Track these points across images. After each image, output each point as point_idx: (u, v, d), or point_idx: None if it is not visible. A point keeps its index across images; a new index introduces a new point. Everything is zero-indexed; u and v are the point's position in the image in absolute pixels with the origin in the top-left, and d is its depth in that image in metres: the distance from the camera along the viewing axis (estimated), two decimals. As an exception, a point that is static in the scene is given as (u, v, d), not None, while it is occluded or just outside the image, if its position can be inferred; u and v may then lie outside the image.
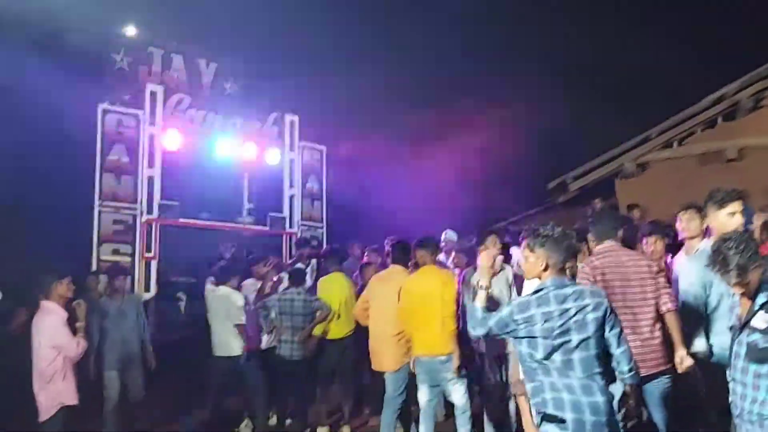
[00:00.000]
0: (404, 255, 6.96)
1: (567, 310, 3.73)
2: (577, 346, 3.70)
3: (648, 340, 4.82)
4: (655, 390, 4.82)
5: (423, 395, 6.34)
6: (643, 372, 4.58)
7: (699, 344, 4.93)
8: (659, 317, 4.89)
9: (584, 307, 3.74)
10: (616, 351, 3.86)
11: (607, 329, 3.81)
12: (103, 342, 7.59)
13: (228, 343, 7.89)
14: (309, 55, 14.53)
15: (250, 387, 7.95)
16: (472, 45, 16.69)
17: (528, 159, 15.77)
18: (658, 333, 4.87)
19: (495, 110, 16.86)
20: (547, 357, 3.70)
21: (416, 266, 6.69)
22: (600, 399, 3.66)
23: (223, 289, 8.04)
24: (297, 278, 8.18)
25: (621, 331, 3.88)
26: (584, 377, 3.67)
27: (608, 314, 3.81)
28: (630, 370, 3.92)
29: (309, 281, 9.12)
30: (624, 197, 12.33)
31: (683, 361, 4.79)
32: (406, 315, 6.39)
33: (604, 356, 3.82)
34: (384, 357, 6.72)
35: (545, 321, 3.71)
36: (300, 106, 13.41)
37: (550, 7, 16.71)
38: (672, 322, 4.85)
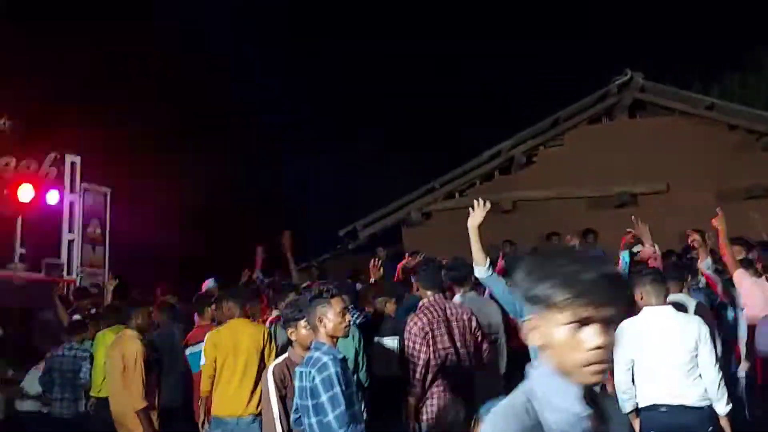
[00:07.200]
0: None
1: None
2: None
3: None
4: None
5: None
6: None
7: None
8: None
9: None
10: None
11: None
12: None
13: None
14: (90, 94, 13.88)
15: None
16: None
17: (321, 207, 16.05)
18: None
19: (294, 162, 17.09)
20: None
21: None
22: None
23: None
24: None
25: None
26: None
27: None
28: None
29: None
30: (409, 244, 12.79)
31: None
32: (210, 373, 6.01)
33: None
34: None
35: None
36: (83, 147, 12.74)
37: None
38: None
